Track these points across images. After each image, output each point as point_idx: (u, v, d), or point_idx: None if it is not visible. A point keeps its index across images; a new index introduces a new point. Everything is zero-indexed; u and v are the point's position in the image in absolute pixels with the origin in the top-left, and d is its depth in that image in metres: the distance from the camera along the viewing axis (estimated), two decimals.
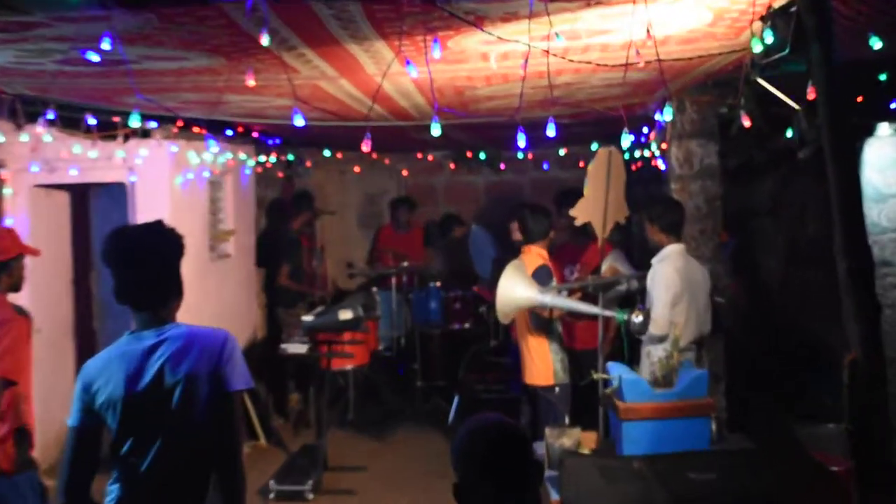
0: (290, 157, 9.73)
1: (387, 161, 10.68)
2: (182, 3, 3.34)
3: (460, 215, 10.26)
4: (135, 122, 4.72)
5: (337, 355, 7.42)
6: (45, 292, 7.04)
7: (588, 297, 5.65)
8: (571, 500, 3.90)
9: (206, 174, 7.49)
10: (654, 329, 5.04)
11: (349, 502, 6.66)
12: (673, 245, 5.37)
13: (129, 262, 3.13)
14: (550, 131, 4.34)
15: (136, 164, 6.74)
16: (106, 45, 3.39)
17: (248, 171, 8.52)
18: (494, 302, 5.47)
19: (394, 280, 9.20)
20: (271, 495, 6.62)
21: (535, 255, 6.05)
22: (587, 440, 4.76)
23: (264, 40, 3.26)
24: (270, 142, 8.77)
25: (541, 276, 5.76)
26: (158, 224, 3.24)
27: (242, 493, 3.13)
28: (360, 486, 6.94)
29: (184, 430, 3.08)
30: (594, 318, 5.46)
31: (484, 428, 2.68)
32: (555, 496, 4.24)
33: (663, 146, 6.30)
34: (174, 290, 3.22)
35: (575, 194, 6.10)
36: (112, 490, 3.13)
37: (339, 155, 10.21)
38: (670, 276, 5.20)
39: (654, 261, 5.38)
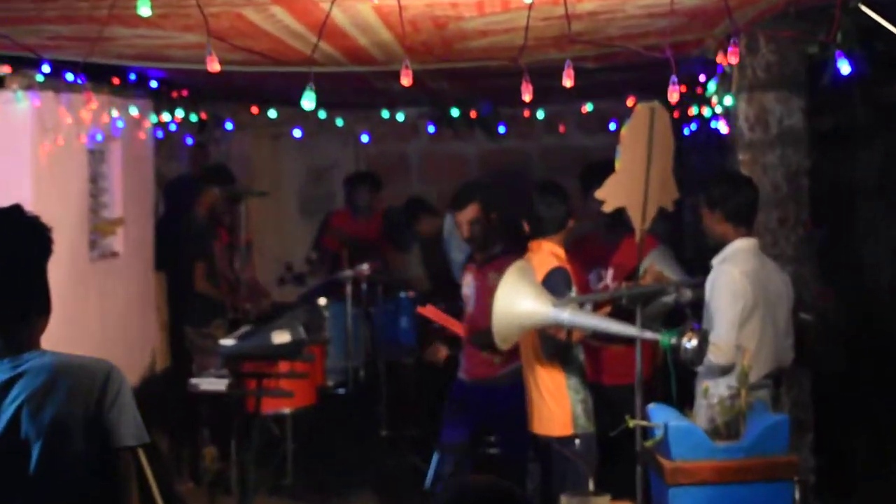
0: (202, 116, 9.68)
1: (339, 122, 10.66)
2: None
3: (429, 201, 10.23)
4: None
5: (269, 394, 7.40)
6: None
7: (622, 313, 5.65)
8: None
9: (84, 139, 7.44)
10: (715, 357, 5.05)
11: None
12: (742, 240, 5.38)
13: None
14: (568, 80, 4.32)
15: None
16: None
17: (143, 136, 8.47)
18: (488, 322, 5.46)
19: (349, 288, 9.18)
20: None
21: (547, 253, 6.04)
22: None
23: None
24: (175, 94, 8.72)
25: (555, 284, 5.75)
26: (15, 211, 3.20)
27: None
28: None
29: (49, 497, 3.05)
30: (630, 342, 5.45)
31: (474, 496, 2.67)
32: None
33: (727, 101, 6.30)
34: (37, 305, 3.18)
35: (603, 169, 6.08)
36: None
37: (272, 113, 10.19)
38: (738, 282, 5.21)
39: (714, 261, 5.39)
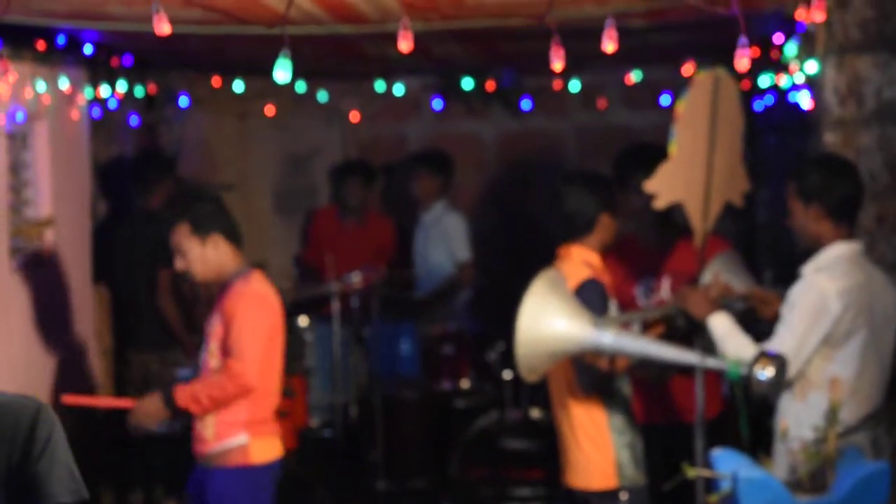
0: (150, 90, 9.69)
1: (323, 97, 10.68)
2: None
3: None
4: None
5: None
6: None
7: (677, 335, 5.64)
8: None
9: (2, 121, 7.44)
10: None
11: None
12: (842, 244, 5.36)
13: None
14: (610, 43, 4.30)
15: None
16: None
17: (76, 115, 8.48)
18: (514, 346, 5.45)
19: (337, 305, 9.18)
20: None
21: (578, 261, 6.03)
22: None
23: None
24: (116, 62, 8.73)
25: (587, 300, 5.74)
26: None
27: None
28: None
29: None
30: (688, 371, 5.43)
31: None
32: None
33: (811, 68, 6.28)
34: None
35: (648, 153, 6.06)
36: None
37: (239, 86, 10.20)
38: (831, 301, 5.18)
39: (805, 269, 5.36)
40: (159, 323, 8.70)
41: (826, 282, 5.24)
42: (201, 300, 9.39)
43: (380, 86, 10.62)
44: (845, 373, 5.15)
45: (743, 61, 4.36)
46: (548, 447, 7.36)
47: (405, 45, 4.15)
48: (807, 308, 5.21)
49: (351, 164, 10.50)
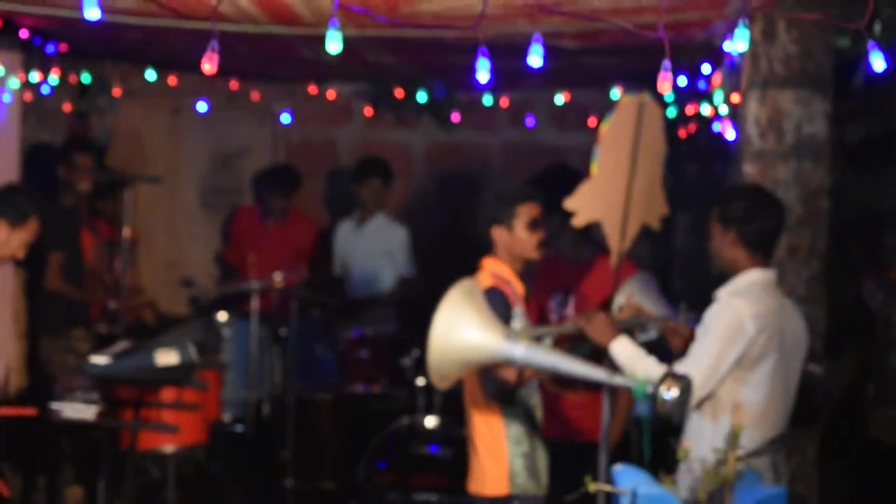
0: (86, 77, 9.62)
1: (255, 96, 10.66)
2: None
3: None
4: None
5: (149, 427, 7.38)
6: None
7: (587, 349, 5.65)
8: None
9: None
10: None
11: None
12: (757, 271, 5.40)
13: None
14: (535, 59, 4.30)
15: None
16: None
17: (8, 98, 8.41)
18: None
19: (256, 303, 9.15)
20: None
21: (489, 273, 6.05)
22: None
23: None
24: (51, 49, 8.66)
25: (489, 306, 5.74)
26: None
27: None
28: None
29: None
30: (596, 387, 5.43)
31: None
32: None
33: (734, 98, 6.31)
34: None
35: (569, 178, 6.07)
36: None
37: (171, 80, 10.14)
38: (746, 325, 5.22)
39: (721, 293, 5.39)
40: (54, 307, 8.62)
41: (742, 305, 5.27)
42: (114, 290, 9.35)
43: (312, 89, 10.61)
44: (755, 396, 5.19)
45: (665, 85, 4.38)
46: (457, 454, 7.39)
47: (334, 46, 4.13)
48: (722, 329, 5.24)
49: (275, 175, 10.41)
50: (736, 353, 5.20)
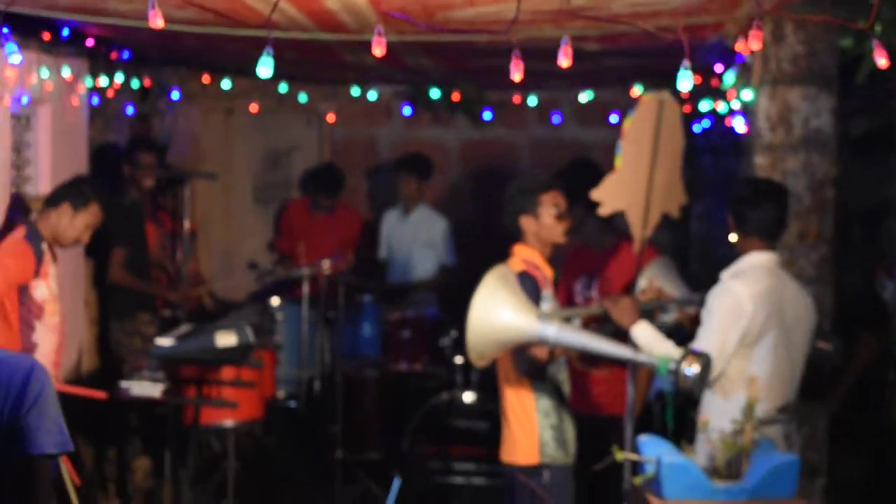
0: (145, 83, 9.63)
1: (303, 98, 10.63)
2: None
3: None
4: None
5: (210, 404, 7.39)
6: None
7: (611, 329, 5.63)
8: None
9: (7, 102, 7.38)
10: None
11: None
12: (758, 254, 5.38)
13: None
14: (564, 60, 4.28)
15: None
16: None
17: (77, 102, 8.42)
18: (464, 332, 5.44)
19: (306, 288, 9.16)
20: None
21: (520, 259, 6.05)
22: None
23: None
24: (115, 55, 8.67)
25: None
26: None
27: None
28: None
29: None
30: (622, 364, 5.42)
31: None
32: None
33: (746, 96, 6.29)
34: None
35: (591, 170, 6.04)
36: None
37: (226, 84, 10.15)
38: (744, 304, 5.19)
39: (724, 275, 5.37)
40: (120, 296, 8.63)
41: (739, 286, 5.27)
42: (176, 278, 9.38)
43: (355, 91, 10.59)
44: (760, 371, 5.17)
45: (686, 84, 4.35)
46: (492, 427, 7.39)
47: (378, 50, 4.11)
48: (723, 311, 5.23)
49: (321, 175, 10.41)
50: (738, 331, 5.19)
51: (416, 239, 9.91)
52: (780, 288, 5.34)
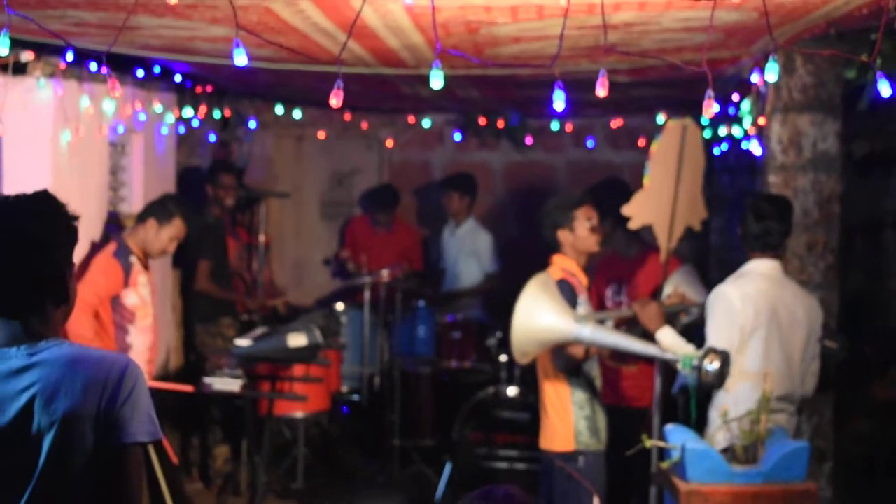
0: (225, 113, 9.70)
1: (364, 125, 10.65)
2: None
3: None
4: (2, 48, 4.65)
5: (283, 397, 7.42)
6: None
7: (641, 333, 5.63)
8: None
9: (106, 131, 7.45)
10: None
11: None
12: (758, 261, 5.36)
13: None
14: (601, 91, 4.29)
15: (4, 110, 6.70)
16: None
17: (166, 131, 8.48)
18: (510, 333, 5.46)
19: (367, 295, 9.19)
20: None
21: (559, 267, 6.04)
22: None
23: None
24: (200, 89, 8.74)
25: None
26: (42, 196, 3.17)
27: None
28: None
29: (55, 491, 3.04)
30: (649, 361, 5.43)
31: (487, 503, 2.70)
32: None
33: (760, 121, 6.28)
34: (53, 295, 3.16)
35: (619, 189, 6.04)
36: None
37: (297, 113, 10.21)
38: (735, 304, 5.19)
39: (727, 280, 5.37)
40: (205, 302, 8.68)
41: (730, 288, 5.25)
42: (253, 286, 9.42)
43: (411, 119, 10.61)
44: (752, 366, 5.14)
45: (710, 110, 4.35)
46: (532, 418, 7.39)
47: (436, 84, 4.13)
48: (718, 312, 5.22)
49: (380, 192, 10.44)
50: (735, 328, 5.16)
51: (462, 250, 9.89)
52: (776, 290, 5.29)
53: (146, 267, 7.19)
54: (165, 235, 7.18)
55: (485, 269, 9.82)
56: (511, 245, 10.54)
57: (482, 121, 10.55)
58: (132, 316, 7.08)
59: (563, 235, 6.06)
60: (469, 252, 9.82)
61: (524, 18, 5.20)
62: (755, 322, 5.19)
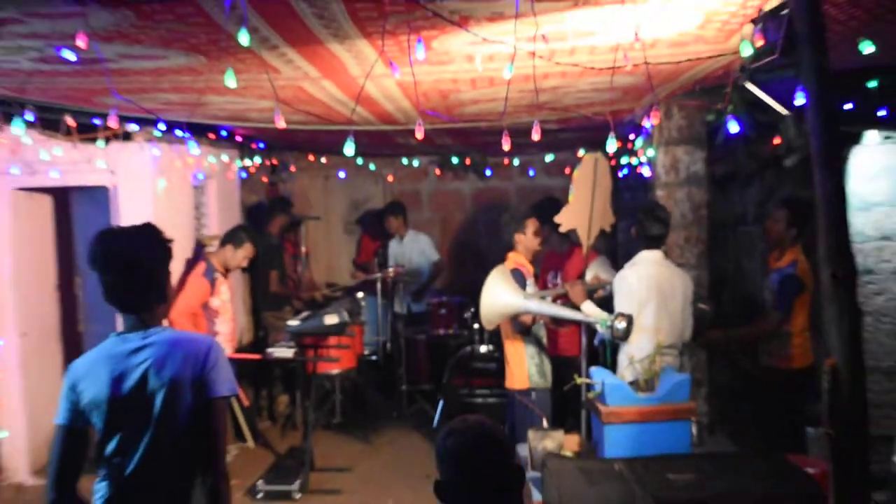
0: (273, 161, 9.68)
1: (372, 166, 10.65)
2: None
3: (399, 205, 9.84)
4: (112, 122, 4.66)
5: (323, 359, 7.43)
6: (30, 297, 6.98)
7: (571, 305, 5.64)
8: (553, 500, 3.88)
9: (190, 178, 7.45)
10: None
11: (335, 502, 6.67)
12: (647, 251, 5.35)
13: (115, 265, 3.11)
14: (536, 135, 4.32)
15: (118, 167, 6.69)
16: (81, 43, 3.35)
17: (231, 176, 8.48)
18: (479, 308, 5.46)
19: (379, 285, 9.18)
20: (259, 495, 6.67)
21: (512, 261, 6.08)
22: (570, 443, 4.79)
23: (243, 38, 3.23)
24: (254, 145, 8.73)
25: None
26: (147, 227, 3.21)
27: (225, 496, 3.12)
28: (346, 485, 6.95)
29: (167, 433, 3.08)
30: (577, 324, 5.43)
31: (464, 427, 2.75)
32: (537, 497, 4.24)
33: (650, 153, 6.30)
34: (159, 295, 3.20)
35: (553, 205, 6.04)
36: (100, 488, 3.16)
37: (324, 159, 10.19)
38: (632, 283, 5.20)
39: (626, 265, 5.39)
40: (274, 298, 8.66)
41: (628, 271, 5.25)
42: (299, 283, 9.41)
43: (404, 161, 10.57)
44: (647, 323, 5.14)
45: (612, 147, 4.38)
46: (499, 367, 7.39)
47: (420, 135, 4.16)
48: (623, 288, 5.22)
49: (390, 206, 10.39)
50: (634, 299, 5.16)
51: (413, 253, 9.64)
52: (661, 271, 5.28)
53: (226, 277, 7.25)
54: (240, 255, 7.24)
55: (431, 259, 9.70)
56: (478, 248, 10.55)
57: (455, 160, 10.55)
58: (216, 313, 7.14)
59: (518, 238, 6.12)
60: (419, 252, 9.69)
61: (481, 87, 5.21)
62: (647, 294, 5.19)
